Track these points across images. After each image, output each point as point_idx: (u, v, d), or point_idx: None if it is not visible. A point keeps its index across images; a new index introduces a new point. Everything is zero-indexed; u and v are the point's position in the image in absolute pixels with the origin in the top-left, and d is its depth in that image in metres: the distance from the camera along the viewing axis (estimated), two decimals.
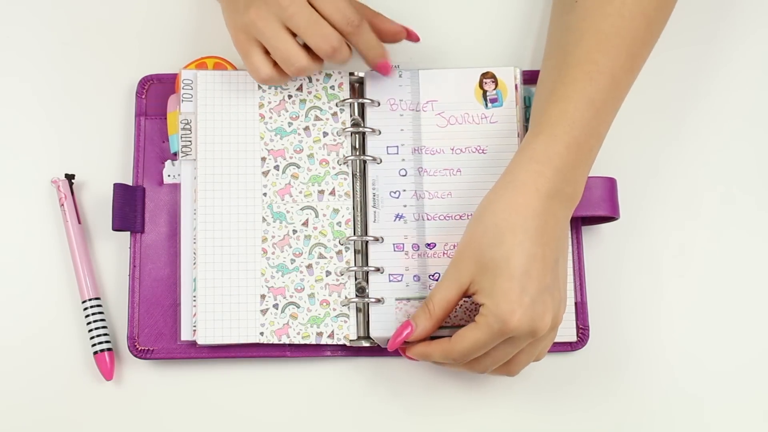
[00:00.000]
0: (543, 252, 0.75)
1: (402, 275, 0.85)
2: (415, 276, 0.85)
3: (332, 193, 0.87)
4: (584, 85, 0.79)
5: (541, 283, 0.75)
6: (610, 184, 0.87)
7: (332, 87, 0.89)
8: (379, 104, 0.89)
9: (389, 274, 0.85)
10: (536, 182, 0.76)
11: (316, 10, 0.80)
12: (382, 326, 0.84)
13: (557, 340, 0.86)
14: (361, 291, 0.86)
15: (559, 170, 0.77)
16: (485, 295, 0.75)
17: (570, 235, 0.88)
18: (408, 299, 0.85)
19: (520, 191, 0.76)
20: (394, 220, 0.86)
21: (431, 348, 0.79)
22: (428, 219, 0.87)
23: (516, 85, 0.89)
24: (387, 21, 0.86)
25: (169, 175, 0.90)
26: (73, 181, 0.89)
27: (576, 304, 0.88)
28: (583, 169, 0.79)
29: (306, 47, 0.82)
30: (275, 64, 0.83)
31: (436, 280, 0.85)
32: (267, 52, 0.83)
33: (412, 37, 0.87)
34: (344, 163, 0.88)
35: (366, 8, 0.86)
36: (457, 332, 0.77)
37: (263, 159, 0.87)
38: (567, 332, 0.87)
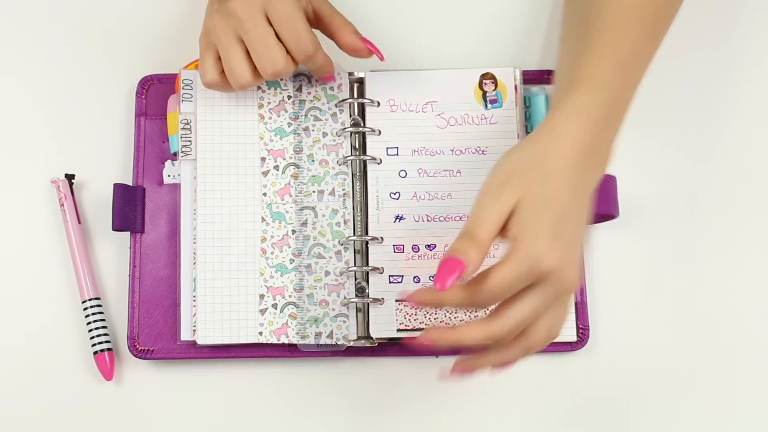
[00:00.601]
0: (578, 204, 0.73)
1: (402, 276, 0.85)
2: (415, 277, 0.85)
3: (332, 193, 0.87)
4: (612, 50, 0.78)
5: (573, 233, 0.73)
6: (611, 181, 0.87)
7: (331, 87, 0.89)
8: (378, 104, 0.89)
9: (389, 276, 0.85)
10: (578, 134, 0.74)
11: (275, 29, 0.80)
12: (383, 326, 0.85)
13: (557, 339, 0.86)
14: (360, 291, 0.86)
15: (596, 126, 0.75)
16: (523, 229, 0.71)
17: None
18: None
19: (565, 140, 0.74)
20: (394, 222, 0.87)
21: (448, 293, 0.71)
22: (428, 220, 0.87)
23: (516, 86, 0.89)
24: (349, 35, 0.85)
25: (169, 175, 0.90)
26: (73, 181, 0.89)
27: (576, 304, 0.88)
28: (613, 132, 0.77)
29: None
30: (223, 71, 0.83)
31: None
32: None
33: (377, 54, 0.86)
34: (344, 164, 0.88)
35: (335, 17, 0.85)
36: (481, 272, 0.70)
37: (263, 159, 0.87)
38: (567, 332, 0.87)
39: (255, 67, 0.81)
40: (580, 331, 0.87)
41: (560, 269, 0.70)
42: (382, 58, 0.86)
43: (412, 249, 0.86)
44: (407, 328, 0.84)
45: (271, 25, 0.80)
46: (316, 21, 0.84)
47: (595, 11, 0.81)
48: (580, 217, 0.74)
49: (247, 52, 0.81)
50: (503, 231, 0.72)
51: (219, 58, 0.82)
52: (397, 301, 0.85)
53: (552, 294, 0.72)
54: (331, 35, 0.85)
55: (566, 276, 0.71)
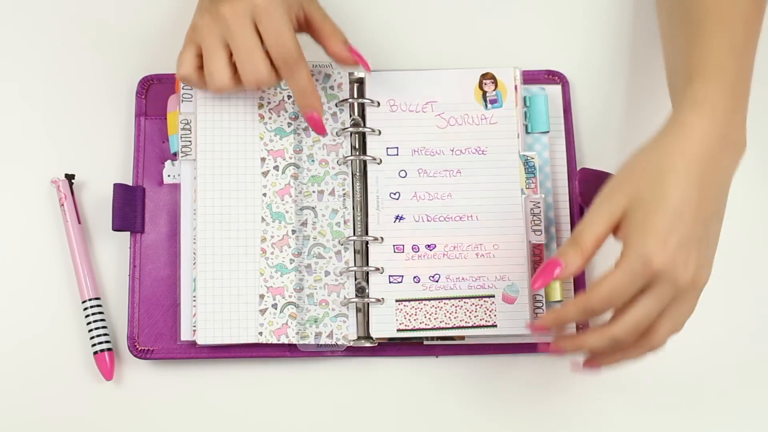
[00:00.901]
0: (699, 199, 0.73)
1: (402, 276, 0.85)
2: (415, 277, 0.85)
3: (332, 193, 0.87)
4: (722, 34, 0.77)
5: (690, 230, 0.72)
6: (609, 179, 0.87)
7: (332, 87, 0.89)
8: (378, 104, 0.89)
9: (389, 275, 0.85)
10: (702, 126, 0.73)
11: (261, 36, 0.80)
12: (383, 326, 0.85)
13: None
14: (361, 291, 0.86)
15: (721, 114, 0.74)
16: (633, 230, 0.72)
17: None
18: (408, 300, 0.85)
19: (688, 135, 0.73)
20: (394, 222, 0.87)
21: (565, 309, 0.74)
22: (428, 220, 0.87)
23: (516, 86, 0.89)
24: (338, 44, 0.84)
25: (169, 175, 0.90)
26: (73, 181, 0.89)
27: None
28: (741, 114, 0.77)
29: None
30: (200, 67, 0.83)
31: (437, 282, 0.85)
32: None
33: (363, 66, 0.85)
34: (344, 164, 0.88)
35: (325, 24, 0.84)
36: (593, 281, 0.73)
37: (263, 159, 0.87)
38: (567, 332, 0.87)
39: (235, 73, 0.81)
40: (580, 331, 0.87)
41: (672, 268, 0.71)
42: (368, 70, 0.86)
43: (412, 249, 0.86)
44: (407, 328, 0.85)
45: (258, 34, 0.80)
46: (306, 26, 0.84)
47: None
48: (705, 211, 0.73)
49: (230, 57, 0.81)
50: (616, 233, 0.73)
51: (199, 55, 0.83)
52: (397, 300, 0.85)
53: (669, 293, 0.72)
54: (320, 42, 0.84)
55: (681, 274, 0.71)
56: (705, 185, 0.73)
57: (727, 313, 0.89)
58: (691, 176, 0.72)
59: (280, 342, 0.85)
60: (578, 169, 0.89)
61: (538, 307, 0.85)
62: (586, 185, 0.86)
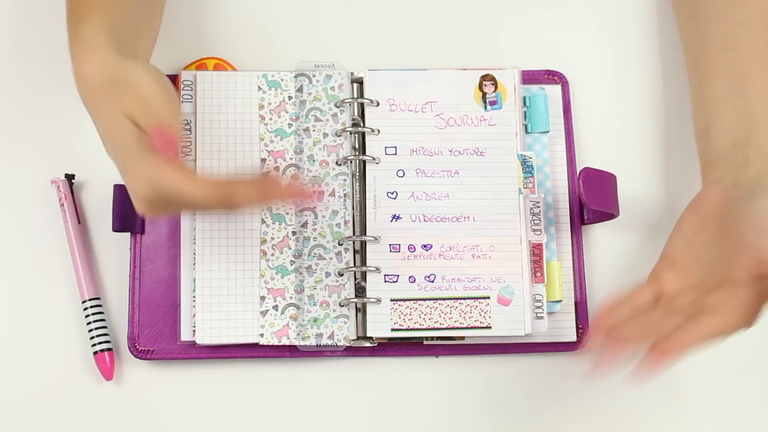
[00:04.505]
0: None
1: (397, 276, 0.85)
2: (410, 277, 0.85)
3: (332, 194, 0.87)
4: None
5: None
6: (611, 180, 0.87)
7: (332, 88, 0.89)
8: (378, 104, 0.89)
9: (385, 275, 0.85)
10: None
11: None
12: (378, 326, 0.85)
13: (557, 340, 0.87)
14: (360, 291, 0.86)
15: None
16: None
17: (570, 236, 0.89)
18: (403, 300, 0.85)
19: None
20: (391, 221, 0.86)
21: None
22: (425, 220, 0.87)
23: (515, 87, 0.89)
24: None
25: None
26: (73, 181, 0.90)
27: (576, 304, 0.88)
28: None
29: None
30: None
31: (432, 282, 0.85)
32: None
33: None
34: (343, 164, 0.88)
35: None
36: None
37: (263, 160, 0.87)
38: (567, 332, 0.87)
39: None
40: (580, 331, 0.87)
41: None
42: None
43: (408, 249, 0.86)
44: (401, 327, 0.84)
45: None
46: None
47: (763, 36, 0.82)
48: None
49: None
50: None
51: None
52: (392, 300, 0.85)
53: None
54: None
55: None
56: None
57: None
58: None
59: (281, 344, 0.85)
60: (580, 169, 0.89)
61: (538, 307, 0.85)
62: (589, 185, 0.85)
